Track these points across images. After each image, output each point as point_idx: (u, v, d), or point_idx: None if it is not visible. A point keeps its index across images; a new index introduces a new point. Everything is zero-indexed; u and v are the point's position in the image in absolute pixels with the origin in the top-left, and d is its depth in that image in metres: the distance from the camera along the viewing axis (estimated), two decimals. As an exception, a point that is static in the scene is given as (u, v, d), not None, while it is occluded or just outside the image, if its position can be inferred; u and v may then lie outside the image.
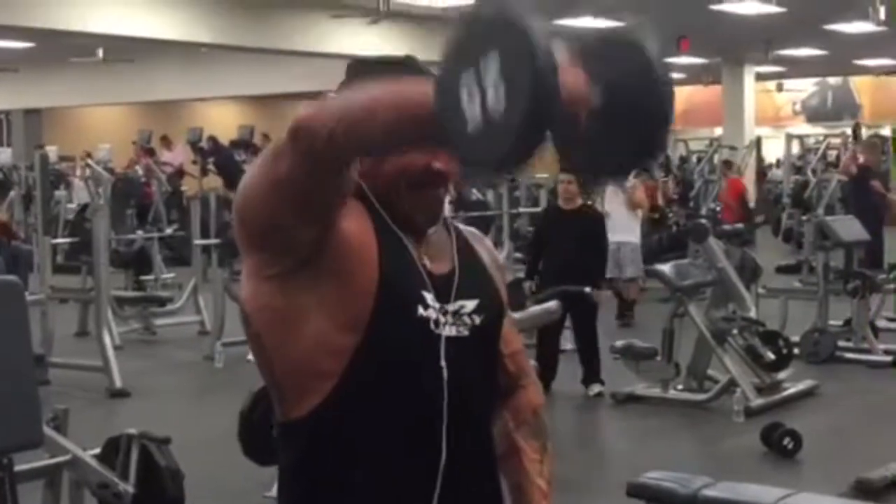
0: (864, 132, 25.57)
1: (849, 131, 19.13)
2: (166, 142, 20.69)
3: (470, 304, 1.87)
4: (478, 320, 1.87)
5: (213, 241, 10.36)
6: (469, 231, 2.03)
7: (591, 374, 8.00)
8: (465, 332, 1.85)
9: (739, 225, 11.26)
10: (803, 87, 27.91)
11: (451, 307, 1.84)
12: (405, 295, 1.80)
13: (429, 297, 1.81)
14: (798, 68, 23.02)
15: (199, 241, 10.75)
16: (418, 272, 1.82)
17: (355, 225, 1.78)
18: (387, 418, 1.80)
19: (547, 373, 7.59)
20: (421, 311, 1.80)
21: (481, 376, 1.92)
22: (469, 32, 1.48)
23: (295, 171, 1.63)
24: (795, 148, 19.46)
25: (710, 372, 7.79)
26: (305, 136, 1.60)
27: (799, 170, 18.87)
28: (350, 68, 1.90)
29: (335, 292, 1.76)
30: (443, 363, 1.80)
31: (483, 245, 2.03)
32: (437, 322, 1.81)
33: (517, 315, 6.50)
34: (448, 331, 1.83)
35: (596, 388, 7.95)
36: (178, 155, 20.47)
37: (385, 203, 1.83)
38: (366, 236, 1.79)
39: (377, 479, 1.81)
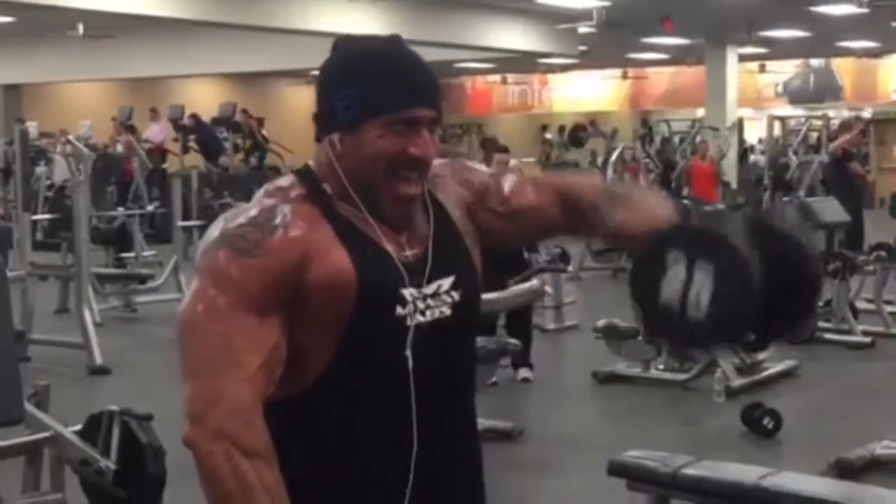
0: (846, 114, 25.65)
1: (831, 113, 19.17)
2: (155, 114, 20.59)
3: (446, 282, 1.87)
4: (457, 296, 1.87)
5: (194, 223, 10.40)
6: (444, 170, 1.99)
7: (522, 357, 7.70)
8: (448, 312, 1.86)
9: (720, 205, 11.30)
10: (786, 69, 27.92)
11: (428, 290, 1.84)
12: (383, 296, 1.80)
13: (407, 293, 1.82)
14: (781, 50, 23.01)
15: (181, 223, 10.70)
16: (394, 268, 1.82)
17: (314, 244, 1.77)
18: (357, 411, 1.81)
19: (526, 346, 7.56)
20: (399, 310, 1.81)
21: (465, 353, 1.93)
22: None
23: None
24: (777, 129, 19.50)
25: (691, 352, 7.82)
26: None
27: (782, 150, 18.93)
28: (337, 45, 1.89)
29: (312, 314, 1.78)
30: (407, 352, 1.81)
31: (457, 186, 2.00)
32: (411, 315, 1.82)
33: (499, 294, 6.48)
34: (428, 315, 1.83)
35: (524, 373, 7.81)
36: (160, 132, 20.39)
37: (360, 186, 1.82)
38: (330, 248, 1.78)
39: (347, 471, 1.83)
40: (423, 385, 1.82)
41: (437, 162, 1.94)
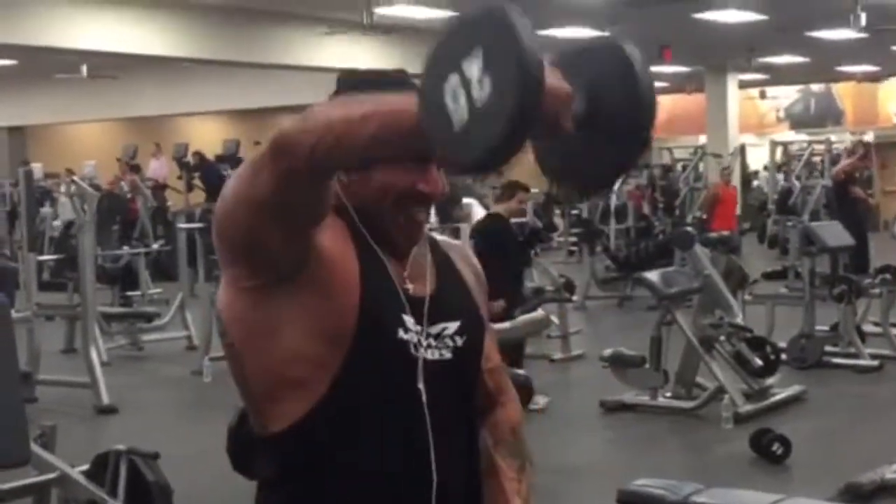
0: (848, 138, 25.69)
1: (833, 137, 19.19)
2: (157, 149, 20.69)
3: (452, 326, 1.86)
4: (460, 341, 1.86)
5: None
6: (451, 244, 2.01)
7: None
8: (448, 355, 1.84)
9: (725, 232, 11.31)
10: (786, 95, 28.01)
11: (433, 330, 1.83)
12: (385, 317, 1.78)
13: (409, 320, 1.80)
14: (781, 75, 23.11)
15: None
16: (398, 295, 1.81)
17: (336, 243, 1.76)
18: (367, 438, 1.78)
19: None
20: (401, 333, 1.79)
21: (464, 397, 1.91)
22: (451, 36, 1.48)
23: (275, 184, 1.61)
24: (779, 155, 19.55)
25: (698, 379, 7.80)
26: (287, 150, 1.58)
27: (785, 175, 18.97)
28: (340, 81, 1.88)
29: (314, 306, 1.74)
30: (420, 385, 1.79)
31: (465, 259, 2.01)
32: (416, 345, 1.80)
33: (507, 324, 6.53)
34: (430, 354, 1.81)
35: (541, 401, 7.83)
36: (163, 166, 20.45)
37: (366, 219, 1.81)
38: (347, 255, 1.77)
39: (357, 501, 1.80)
40: (436, 419, 1.81)
41: (448, 240, 1.96)
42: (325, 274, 1.74)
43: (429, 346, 1.82)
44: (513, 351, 7.55)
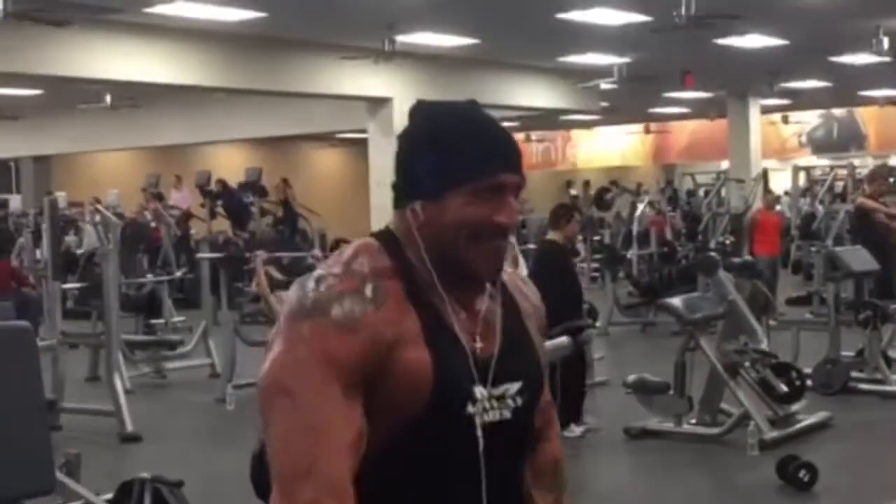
0: (871, 162, 25.55)
1: (856, 162, 19.09)
2: (178, 181, 20.81)
3: (514, 387, 1.82)
4: (520, 402, 1.83)
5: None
6: (507, 273, 1.94)
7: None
8: (508, 415, 1.81)
9: (749, 258, 11.26)
10: (809, 119, 27.94)
11: (496, 391, 1.80)
12: (455, 395, 1.75)
13: (478, 391, 1.77)
14: (803, 100, 23.05)
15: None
16: (467, 364, 1.76)
17: (392, 324, 1.71)
18: (416, 493, 1.76)
19: (572, 414, 7.63)
20: (469, 408, 1.76)
21: (519, 452, 1.89)
22: None
23: None
24: (802, 180, 19.48)
25: (723, 405, 7.75)
26: None
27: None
28: (414, 109, 1.85)
29: (379, 408, 1.71)
30: (480, 449, 1.76)
31: (522, 291, 1.96)
32: (481, 412, 1.78)
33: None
34: (490, 416, 1.78)
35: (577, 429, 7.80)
36: (185, 198, 20.57)
37: (440, 256, 1.77)
38: (408, 333, 1.72)
39: None
40: (491, 475, 1.78)
41: (515, 273, 1.91)
42: (398, 389, 1.71)
43: (491, 407, 1.79)
44: (576, 382, 7.58)
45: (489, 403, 1.78)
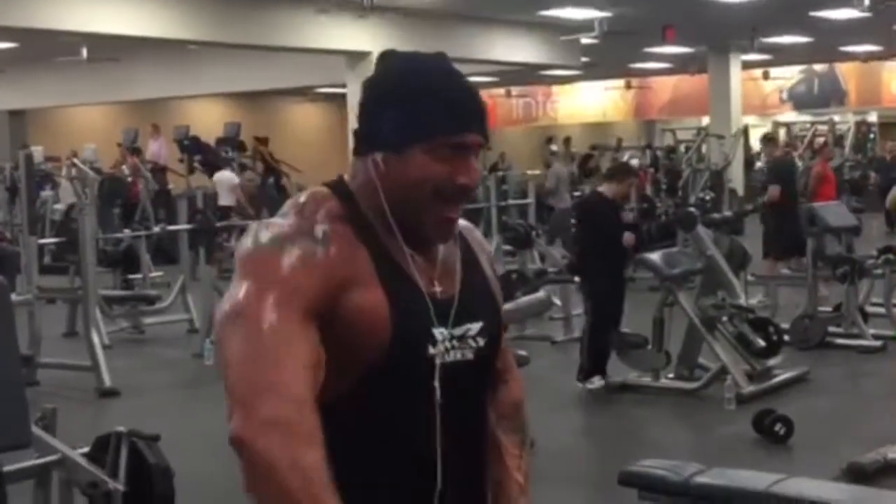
0: (851, 118, 25.58)
1: (836, 118, 19.12)
2: (156, 131, 20.60)
3: (475, 327, 1.84)
4: (482, 342, 1.84)
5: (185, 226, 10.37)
6: (466, 227, 1.96)
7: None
8: (470, 356, 1.82)
9: (728, 213, 11.29)
10: (790, 75, 27.90)
11: (457, 331, 1.81)
12: (415, 339, 1.76)
13: (437, 332, 1.78)
14: (784, 56, 23.01)
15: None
16: (426, 306, 1.77)
17: (347, 265, 1.71)
18: (377, 441, 1.77)
19: (600, 364, 7.73)
20: (430, 349, 1.77)
21: (480, 392, 1.90)
22: None
23: None
24: (782, 135, 19.51)
25: (700, 360, 7.80)
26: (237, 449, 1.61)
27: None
28: (382, 59, 1.84)
29: (343, 351, 1.71)
30: (436, 384, 1.76)
31: (481, 245, 1.99)
32: (441, 353, 1.78)
33: (509, 305, 6.51)
34: (451, 356, 1.79)
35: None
36: (162, 147, 20.37)
37: (399, 209, 1.77)
38: (375, 301, 1.72)
39: (363, 499, 1.76)
40: (447, 418, 1.79)
41: (463, 222, 1.91)
42: (353, 328, 1.71)
43: (452, 347, 1.80)
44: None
45: (450, 343, 1.79)
